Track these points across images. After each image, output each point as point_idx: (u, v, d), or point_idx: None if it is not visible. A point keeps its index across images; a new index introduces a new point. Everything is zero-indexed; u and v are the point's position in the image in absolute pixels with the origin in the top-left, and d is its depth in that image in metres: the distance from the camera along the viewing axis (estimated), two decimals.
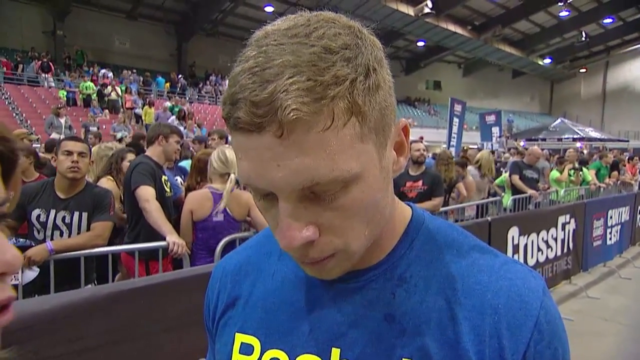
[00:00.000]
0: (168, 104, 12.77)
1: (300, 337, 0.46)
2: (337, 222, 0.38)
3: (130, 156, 2.95)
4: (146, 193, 2.27)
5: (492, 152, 5.88)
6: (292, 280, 0.50)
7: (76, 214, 2.15)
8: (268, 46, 0.34)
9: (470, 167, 5.15)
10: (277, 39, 0.35)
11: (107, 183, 2.82)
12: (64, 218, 2.11)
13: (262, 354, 0.48)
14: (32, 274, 1.99)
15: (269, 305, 0.50)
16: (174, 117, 11.25)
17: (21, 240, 2.07)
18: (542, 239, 3.62)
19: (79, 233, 2.14)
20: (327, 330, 0.45)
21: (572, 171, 6.15)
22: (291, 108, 0.32)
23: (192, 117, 12.54)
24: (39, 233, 2.08)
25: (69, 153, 2.12)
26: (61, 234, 2.11)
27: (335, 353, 0.44)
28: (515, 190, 5.19)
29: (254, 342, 0.49)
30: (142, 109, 12.50)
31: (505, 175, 5.83)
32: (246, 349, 0.49)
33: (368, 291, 0.45)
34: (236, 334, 0.50)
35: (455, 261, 0.46)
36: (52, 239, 2.07)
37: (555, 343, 0.42)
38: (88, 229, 2.15)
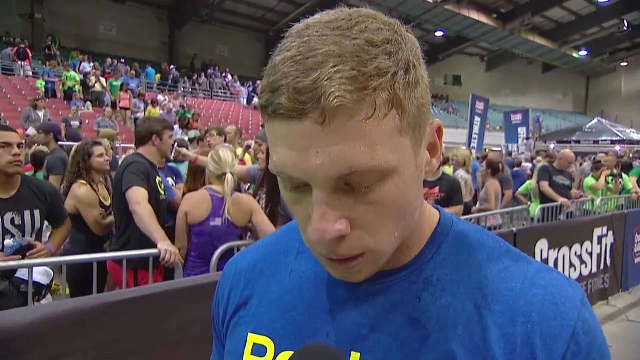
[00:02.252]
0: (175, 108, 12.56)
1: (318, 339, 0.48)
2: (370, 218, 0.41)
3: (99, 150, 2.89)
4: (138, 195, 2.30)
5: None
6: (310, 279, 0.52)
7: (27, 213, 2.08)
8: (310, 37, 0.38)
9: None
10: (319, 31, 0.39)
11: (81, 189, 2.71)
12: (12, 220, 2.04)
13: (275, 355, 0.50)
14: (45, 277, 2.02)
15: (285, 305, 0.52)
16: (176, 128, 10.79)
17: (18, 240, 2.02)
18: (575, 253, 3.61)
19: (32, 234, 2.12)
20: (347, 333, 0.47)
21: (611, 178, 6.10)
22: (335, 95, 0.36)
23: (197, 119, 12.21)
24: None
25: (7, 145, 2.04)
26: (12, 238, 2.04)
27: (355, 357, 0.46)
28: (543, 198, 5.17)
29: (268, 343, 0.51)
30: (145, 111, 12.26)
31: (530, 182, 5.82)
32: (259, 350, 0.51)
33: (392, 294, 0.48)
34: (249, 334, 0.52)
35: (485, 266, 0.47)
36: (3, 245, 2.00)
37: (595, 356, 0.43)
38: (50, 222, 2.18)
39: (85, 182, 2.75)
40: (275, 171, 0.41)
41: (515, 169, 7.95)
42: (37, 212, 2.13)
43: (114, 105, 12.52)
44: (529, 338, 0.42)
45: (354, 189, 0.40)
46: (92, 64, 14.65)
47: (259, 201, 2.57)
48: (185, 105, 13.78)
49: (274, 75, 0.38)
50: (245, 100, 18.82)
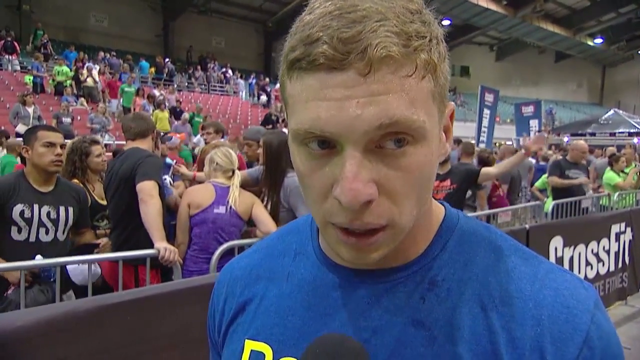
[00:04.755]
0: (186, 114, 12.10)
1: None
2: (398, 185, 0.41)
3: (97, 149, 2.89)
4: (153, 188, 2.33)
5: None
6: (309, 282, 0.52)
7: (62, 208, 2.28)
8: None
9: None
10: None
11: None
12: (48, 214, 2.22)
13: None
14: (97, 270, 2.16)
15: (284, 309, 0.52)
16: (199, 137, 9.47)
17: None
18: (592, 251, 3.60)
19: (64, 230, 2.29)
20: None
21: (636, 175, 5.98)
22: (383, 45, 0.37)
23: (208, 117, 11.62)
24: (20, 232, 2.15)
25: (51, 145, 2.22)
26: (47, 232, 2.22)
27: None
28: (556, 194, 5.13)
29: (266, 349, 0.51)
30: (152, 113, 11.68)
31: (545, 176, 5.78)
32: (256, 357, 0.51)
33: (395, 294, 0.47)
34: (246, 340, 0.52)
35: (493, 265, 0.47)
36: (37, 236, 2.19)
37: None
38: (73, 224, 2.34)
39: (78, 182, 2.78)
40: (302, 129, 0.40)
41: (541, 162, 7.99)
42: (70, 209, 2.32)
43: (125, 111, 12.27)
44: (539, 342, 0.42)
45: (385, 151, 0.40)
46: (96, 66, 14.54)
47: (263, 197, 2.63)
48: (181, 100, 13.65)
49: (310, 29, 0.39)
50: (244, 94, 18.75)
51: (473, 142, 10.72)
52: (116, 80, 14.02)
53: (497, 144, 12.38)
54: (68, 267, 2.08)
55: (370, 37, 0.37)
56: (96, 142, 3.00)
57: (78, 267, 2.10)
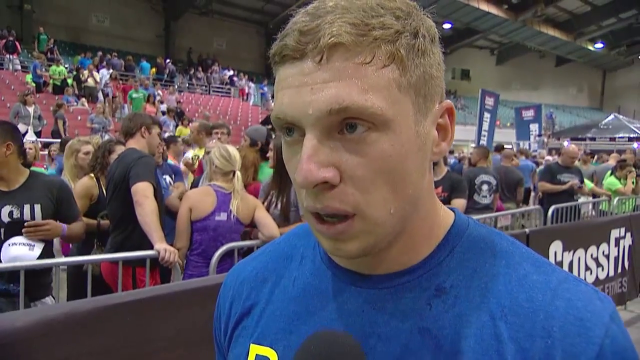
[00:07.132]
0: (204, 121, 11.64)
1: None
2: (361, 172, 0.41)
3: (120, 148, 2.96)
4: (147, 189, 2.31)
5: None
6: (315, 286, 0.52)
7: (26, 207, 2.11)
8: None
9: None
10: None
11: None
12: (10, 213, 2.08)
13: None
14: (33, 253, 2.07)
15: (289, 314, 0.51)
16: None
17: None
18: (591, 255, 3.59)
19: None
20: None
21: (633, 179, 6.00)
22: (333, 34, 0.39)
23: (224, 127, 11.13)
24: None
25: None
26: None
27: None
28: (550, 199, 5.14)
29: (271, 354, 0.50)
30: (175, 130, 11.20)
31: None
32: None
33: (401, 300, 0.47)
34: (251, 345, 0.52)
35: (503, 273, 0.46)
36: (1, 238, 2.05)
37: None
38: (60, 219, 2.21)
39: (92, 176, 2.86)
40: (274, 116, 0.43)
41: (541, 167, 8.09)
42: (37, 207, 2.14)
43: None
44: (549, 355, 0.41)
45: (346, 136, 0.41)
46: (110, 71, 14.48)
47: (272, 198, 2.63)
48: (181, 101, 13.61)
49: (287, 28, 0.43)
50: (252, 98, 18.68)
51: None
52: (131, 85, 13.62)
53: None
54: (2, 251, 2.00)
55: (326, 27, 0.39)
56: (121, 144, 3.07)
57: (10, 253, 2.01)
